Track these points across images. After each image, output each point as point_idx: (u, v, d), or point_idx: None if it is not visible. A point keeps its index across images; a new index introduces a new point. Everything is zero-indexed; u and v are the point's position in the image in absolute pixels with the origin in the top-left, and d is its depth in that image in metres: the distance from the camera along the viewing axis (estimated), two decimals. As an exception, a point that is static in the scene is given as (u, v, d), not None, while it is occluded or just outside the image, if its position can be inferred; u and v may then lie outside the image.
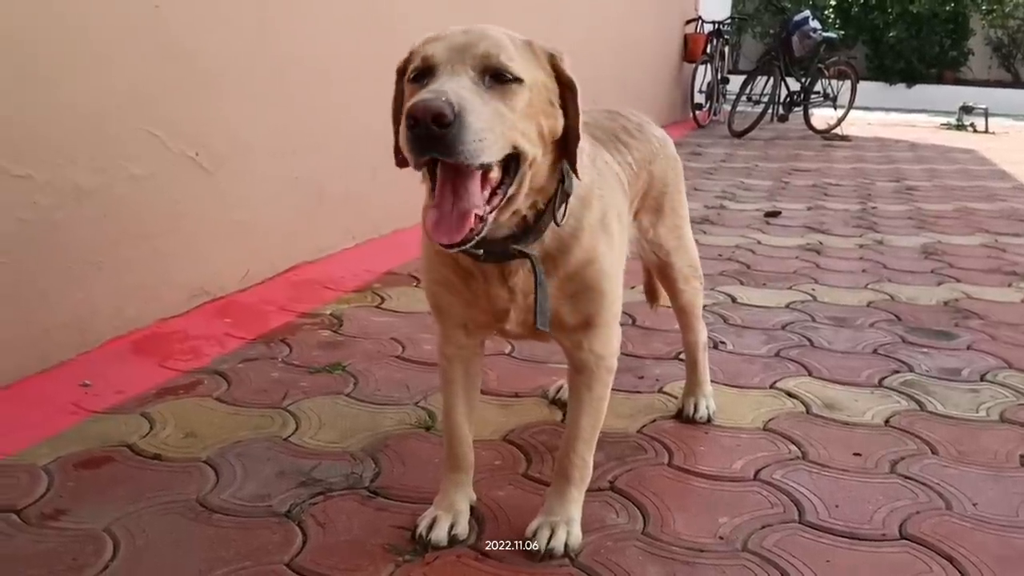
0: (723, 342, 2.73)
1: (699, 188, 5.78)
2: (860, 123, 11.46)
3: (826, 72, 9.91)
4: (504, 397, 2.27)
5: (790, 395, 2.33)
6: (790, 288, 3.40)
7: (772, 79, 9.60)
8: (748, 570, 1.54)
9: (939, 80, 16.35)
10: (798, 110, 10.02)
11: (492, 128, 1.19)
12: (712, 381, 2.24)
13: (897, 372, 2.51)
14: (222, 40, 2.85)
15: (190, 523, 1.64)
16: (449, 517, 1.61)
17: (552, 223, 1.40)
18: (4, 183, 2.13)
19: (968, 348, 2.74)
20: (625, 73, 8.06)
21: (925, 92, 15.96)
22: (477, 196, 1.23)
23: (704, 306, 2.18)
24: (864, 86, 11.38)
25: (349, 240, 3.71)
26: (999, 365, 2.59)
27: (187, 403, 2.17)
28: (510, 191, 1.29)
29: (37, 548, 1.55)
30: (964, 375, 2.50)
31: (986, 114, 11.56)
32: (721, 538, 1.64)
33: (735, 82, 10.59)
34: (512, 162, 1.27)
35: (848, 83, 9.96)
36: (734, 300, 3.22)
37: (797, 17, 9.66)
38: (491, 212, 1.26)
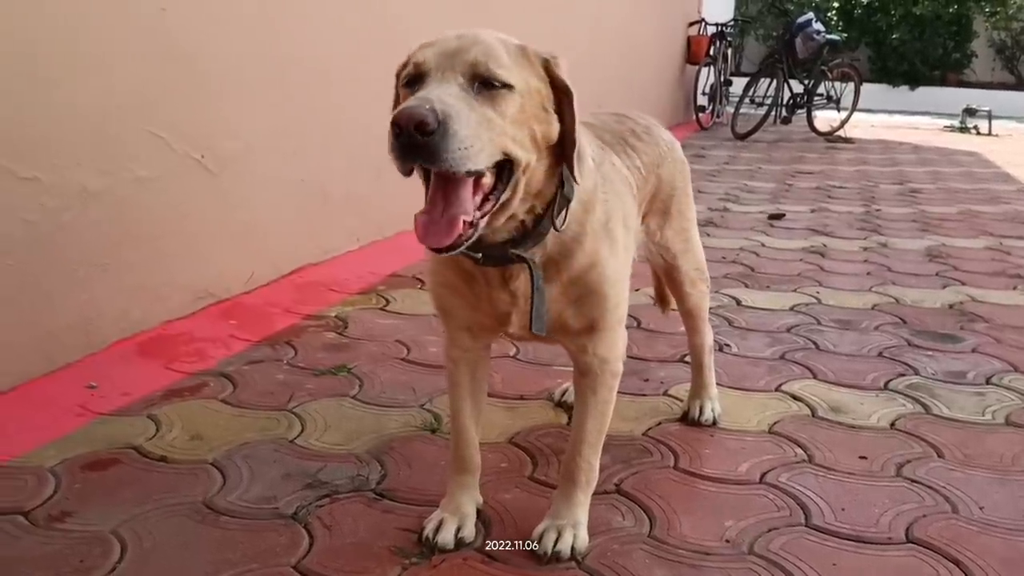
0: (728, 345, 2.72)
1: (703, 190, 5.78)
2: (863, 125, 11.45)
3: (829, 74, 9.90)
4: (510, 400, 2.27)
5: (795, 398, 2.33)
6: (794, 291, 3.39)
7: (775, 81, 9.60)
8: (754, 573, 1.54)
9: (942, 82, 16.33)
10: (801, 112, 10.03)
11: (479, 135, 1.18)
12: (717, 384, 2.24)
13: (902, 375, 2.51)
14: (227, 42, 2.85)
15: (197, 525, 1.64)
16: (456, 520, 1.61)
17: (553, 228, 1.40)
18: (11, 185, 2.14)
19: (973, 351, 2.74)
20: (629, 75, 8.07)
21: (928, 94, 15.95)
22: (468, 202, 1.23)
23: (709, 309, 2.19)
24: (867, 88, 11.39)
25: (353, 242, 3.71)
26: (1005, 368, 2.59)
27: (193, 405, 2.18)
28: (503, 197, 1.29)
29: (44, 550, 1.55)
30: (970, 378, 2.50)
31: (989, 116, 11.56)
32: (727, 541, 1.64)
33: (738, 84, 10.58)
34: (506, 168, 1.27)
35: (851, 85, 9.94)
36: (738, 303, 3.21)
37: (800, 19, 9.66)
38: (483, 218, 1.26)
